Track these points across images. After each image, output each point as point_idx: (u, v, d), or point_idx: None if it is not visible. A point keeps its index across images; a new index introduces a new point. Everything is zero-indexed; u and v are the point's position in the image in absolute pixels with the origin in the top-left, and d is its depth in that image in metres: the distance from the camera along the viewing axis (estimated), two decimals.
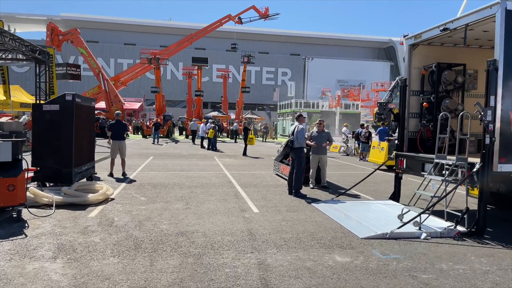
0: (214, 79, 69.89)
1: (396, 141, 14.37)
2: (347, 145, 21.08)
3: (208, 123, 22.29)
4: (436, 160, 6.33)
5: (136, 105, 55.29)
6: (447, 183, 6.05)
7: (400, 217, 6.27)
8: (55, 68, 29.71)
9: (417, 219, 5.80)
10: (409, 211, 6.28)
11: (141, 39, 70.15)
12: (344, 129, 23.13)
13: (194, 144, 26.89)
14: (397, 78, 25.43)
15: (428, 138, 7.79)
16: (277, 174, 11.89)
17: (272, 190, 9.26)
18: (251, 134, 18.67)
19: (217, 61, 70.37)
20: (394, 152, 8.01)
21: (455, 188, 5.89)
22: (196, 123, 27.90)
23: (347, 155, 20.76)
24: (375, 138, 16.93)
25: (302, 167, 8.55)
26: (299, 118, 8.84)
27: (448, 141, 7.62)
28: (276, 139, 39.14)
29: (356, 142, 20.06)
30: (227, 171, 12.71)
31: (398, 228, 5.59)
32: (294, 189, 8.50)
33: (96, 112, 34.78)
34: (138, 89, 64.13)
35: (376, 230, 5.67)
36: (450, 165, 6.13)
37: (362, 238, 5.48)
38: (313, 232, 5.77)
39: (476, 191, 6.29)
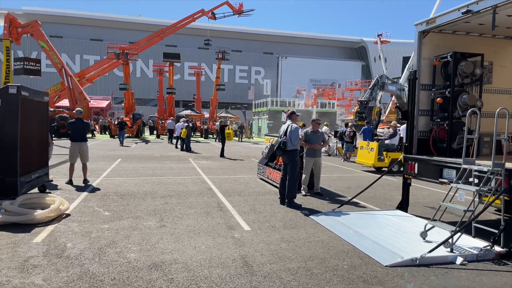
0: (186, 77, 68.07)
1: (386, 141, 13.59)
2: (329, 145, 20.13)
3: (181, 122, 20.77)
4: (464, 166, 5.29)
5: (104, 103, 52.67)
6: (482, 194, 5.02)
7: (423, 235, 5.20)
8: (12, 63, 27.32)
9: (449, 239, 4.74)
10: (433, 227, 5.22)
11: (109, 34, 67.07)
12: (324, 128, 22.20)
13: (171, 143, 25.36)
14: (376, 76, 24.81)
15: (441, 138, 6.80)
16: (261, 179, 10.68)
17: (260, 199, 8.04)
18: (229, 129, 17.40)
19: (189, 58, 68.43)
20: (402, 154, 6.96)
21: (495, 199, 4.86)
22: (173, 122, 26.34)
23: (329, 155, 19.84)
24: (361, 138, 16.06)
25: (297, 173, 7.38)
26: (292, 115, 7.66)
27: (465, 142, 6.69)
28: (252, 138, 37.96)
29: (339, 142, 19.18)
30: (206, 175, 11.37)
31: (430, 252, 4.50)
32: (287, 199, 7.31)
33: (59, 110, 32.55)
34: (106, 87, 61.28)
35: (401, 255, 4.56)
36: (482, 172, 5.11)
37: (386, 266, 4.35)
38: (323, 258, 4.59)
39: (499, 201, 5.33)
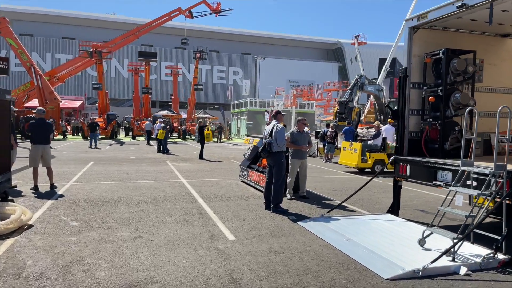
0: (163, 77, 66.84)
1: (369, 142, 13.37)
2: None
3: (158, 123, 20.03)
4: (462, 168, 4.98)
5: (76, 104, 50.92)
6: (481, 198, 4.72)
7: (422, 242, 4.86)
8: None
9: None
10: (431, 233, 4.89)
11: (82, 33, 64.94)
12: (305, 129, 21.92)
13: (149, 145, 24.53)
14: (356, 77, 24.79)
15: (433, 139, 6.51)
16: (244, 182, 10.20)
17: (243, 204, 7.55)
18: (208, 130, 16.80)
19: (166, 58, 67.26)
20: (394, 156, 6.64)
21: (498, 204, 4.56)
22: (151, 123, 25.53)
23: (310, 156, 19.53)
24: (342, 139, 15.83)
25: (283, 176, 6.95)
26: (277, 115, 7.22)
27: (464, 143, 6.43)
28: (231, 139, 37.40)
29: (321, 142, 18.93)
30: (184, 178, 10.79)
31: (432, 262, 4.14)
32: (273, 204, 6.87)
33: (28, 110, 31.00)
34: (79, 87, 59.35)
35: (402, 266, 4.19)
36: (482, 174, 4.81)
37: (387, 279, 3.96)
38: (317, 272, 4.16)
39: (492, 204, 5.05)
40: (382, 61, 50.84)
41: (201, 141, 17.00)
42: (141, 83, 42.16)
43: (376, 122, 13.47)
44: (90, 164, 13.60)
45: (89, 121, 25.73)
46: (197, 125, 17.52)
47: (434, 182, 5.72)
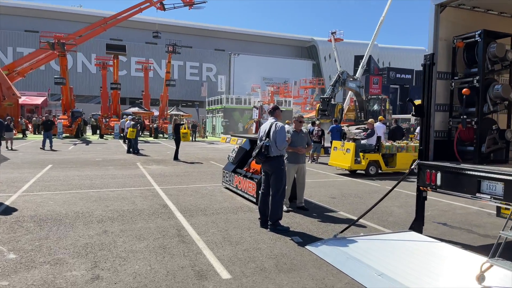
0: (133, 73, 64.31)
1: (362, 141, 12.28)
2: None
3: (128, 121, 18.29)
4: None
5: (39, 100, 47.70)
6: None
7: (481, 279, 3.68)
8: None
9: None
10: (491, 266, 3.72)
11: (46, 26, 60.88)
12: (286, 127, 20.76)
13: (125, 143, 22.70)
14: (338, 72, 23.86)
15: (465, 140, 5.39)
16: (228, 188, 8.83)
17: (232, 219, 6.20)
18: (185, 129, 15.24)
19: (136, 53, 64.52)
20: (417, 161, 5.47)
21: None
22: (125, 121, 23.65)
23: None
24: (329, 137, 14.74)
25: (283, 187, 5.64)
26: (275, 111, 5.90)
27: (492, 144, 5.34)
28: (207, 138, 35.79)
29: None
30: (158, 185, 9.30)
31: None
32: (271, 220, 5.55)
33: None
34: (42, 82, 56.00)
35: None
36: None
37: None
38: None
39: None
40: (357, 58, 50.74)
41: (177, 140, 15.48)
42: (110, 78, 39.80)
43: (370, 120, 12.39)
44: (47, 168, 11.83)
45: (42, 119, 23.40)
46: (171, 122, 15.91)
47: (478, 194, 4.57)
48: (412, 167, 5.58)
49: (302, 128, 7.14)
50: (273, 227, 5.52)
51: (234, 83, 68.00)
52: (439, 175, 5.08)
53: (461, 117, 5.25)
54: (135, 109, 36.49)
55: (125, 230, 5.45)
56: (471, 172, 4.70)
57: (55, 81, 31.08)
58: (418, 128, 18.50)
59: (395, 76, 55.08)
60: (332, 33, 45.30)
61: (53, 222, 5.81)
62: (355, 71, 46.75)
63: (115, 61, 35.34)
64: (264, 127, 5.75)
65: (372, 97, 27.44)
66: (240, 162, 8.70)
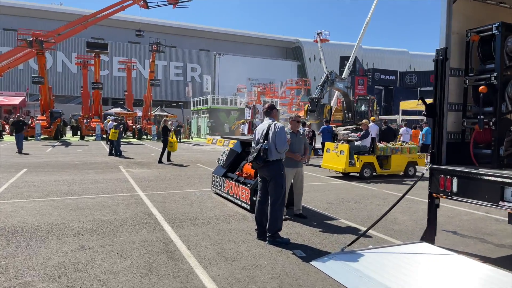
0: (116, 73, 63.02)
1: (356, 142, 11.85)
2: None
3: (110, 122, 17.47)
4: None
5: (17, 100, 46.05)
6: None
7: None
8: None
9: None
10: None
11: (24, 24, 58.85)
12: (301, 129, 20.26)
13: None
14: (326, 73, 23.48)
15: (481, 142, 4.96)
16: (218, 194, 8.25)
17: (225, 230, 5.62)
18: (172, 137, 14.54)
19: (119, 53, 63.18)
20: (429, 165, 5.01)
21: None
22: (107, 122, 22.70)
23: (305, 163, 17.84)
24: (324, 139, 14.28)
25: (283, 194, 5.09)
26: (272, 111, 5.35)
27: (510, 147, 4.92)
28: (192, 139, 34.99)
29: None
30: (142, 191, 8.64)
31: None
32: (270, 232, 5.00)
33: None
34: (20, 82, 54.11)
35: None
36: None
37: None
38: None
39: None
40: (343, 59, 50.76)
41: (164, 142, 14.77)
42: (91, 78, 38.60)
43: (364, 121, 11.95)
44: (21, 173, 11.01)
45: (12, 119, 22.26)
46: (162, 123, 15.20)
47: (501, 203, 4.12)
48: (423, 172, 5.11)
49: (299, 129, 6.60)
50: (272, 240, 4.97)
51: (219, 84, 67.28)
52: (455, 181, 4.62)
53: (478, 117, 4.81)
54: (118, 110, 35.44)
55: (105, 245, 4.81)
56: (493, 178, 4.25)
57: (33, 80, 29.84)
58: (402, 129, 18.36)
59: (380, 77, 55.36)
60: (318, 34, 45.12)
61: (23, 235, 5.13)
62: (341, 72, 46.67)
63: (96, 60, 34.21)
64: (261, 129, 5.20)
65: (360, 97, 27.16)
66: (231, 165, 8.13)
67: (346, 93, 25.86)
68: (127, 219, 6.11)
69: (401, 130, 17.72)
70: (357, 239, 4.82)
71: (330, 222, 6.24)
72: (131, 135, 34.34)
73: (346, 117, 26.76)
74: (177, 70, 70.91)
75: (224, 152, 8.41)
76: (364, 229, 5.85)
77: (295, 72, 77.15)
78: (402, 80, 53.90)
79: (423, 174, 5.09)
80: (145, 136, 33.63)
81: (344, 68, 43.26)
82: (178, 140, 29.87)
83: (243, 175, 7.26)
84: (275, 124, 5.09)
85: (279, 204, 4.99)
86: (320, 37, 44.86)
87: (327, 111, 22.61)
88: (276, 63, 75.73)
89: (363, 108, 26.86)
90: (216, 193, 8.33)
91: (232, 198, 7.39)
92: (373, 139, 11.15)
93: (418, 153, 12.04)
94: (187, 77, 70.01)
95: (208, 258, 4.41)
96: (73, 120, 37.15)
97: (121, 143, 17.87)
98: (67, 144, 24.64)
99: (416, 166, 11.99)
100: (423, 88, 50.73)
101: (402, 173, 11.69)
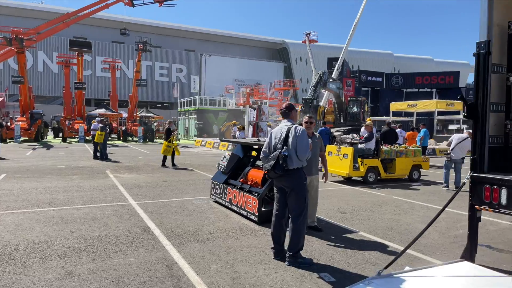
0: (99, 73, 61.53)
1: (360, 145, 11.29)
2: None
3: (95, 123, 16.52)
4: None
5: None
6: None
7: None
8: None
9: None
10: None
11: (4, 22, 57.11)
12: (269, 129, 19.66)
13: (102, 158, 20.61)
14: (319, 72, 23.01)
15: None
16: (217, 202, 7.54)
17: (235, 247, 4.92)
18: (173, 140, 13.80)
19: (102, 53, 61.66)
20: (471, 173, 4.42)
21: None
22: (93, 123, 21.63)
23: None
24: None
25: (306, 207, 4.43)
26: (291, 112, 4.70)
27: None
28: (179, 140, 34.00)
29: None
30: (134, 199, 7.86)
31: None
32: (291, 251, 4.33)
33: None
34: None
35: None
36: None
37: None
38: None
39: None
40: (330, 60, 50.54)
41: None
42: (73, 78, 37.28)
43: (368, 122, 11.40)
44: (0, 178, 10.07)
45: None
46: (166, 124, 14.42)
47: None
48: (464, 180, 4.52)
49: (313, 131, 5.95)
50: (293, 260, 4.30)
51: (205, 85, 66.38)
52: (504, 191, 4.04)
53: None
54: (102, 111, 34.25)
55: (96, 270, 4.06)
56: None
57: (13, 80, 28.46)
58: (396, 131, 17.97)
59: (366, 79, 55.45)
60: (306, 34, 44.73)
61: (0, 258, 4.33)
62: (330, 73, 46.45)
63: (79, 59, 32.93)
64: (278, 132, 4.53)
65: (352, 98, 26.78)
66: (232, 171, 7.44)
67: (338, 94, 25.44)
68: (120, 234, 5.35)
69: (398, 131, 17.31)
70: (394, 260, 4.18)
71: (349, 235, 5.61)
72: (116, 137, 33.20)
73: (338, 119, 26.37)
74: (162, 71, 69.76)
75: (225, 157, 7.71)
76: (389, 244, 5.27)
77: (282, 73, 76.80)
78: (388, 82, 54.06)
79: (464, 183, 4.50)
80: (130, 138, 32.56)
81: (333, 69, 43.01)
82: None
83: (249, 183, 6.58)
84: (295, 128, 4.42)
85: (301, 220, 4.33)
86: (308, 37, 44.48)
87: (321, 112, 22.11)
88: (263, 64, 75.23)
89: (354, 109, 26.45)
90: (216, 202, 7.62)
91: (235, 208, 6.69)
92: (377, 142, 10.61)
93: (422, 156, 11.58)
94: (172, 78, 68.96)
95: (223, 287, 3.71)
96: (54, 121, 35.74)
97: (107, 146, 16.92)
98: (48, 146, 23.47)
99: (421, 170, 11.51)
100: (408, 90, 51.00)
101: (407, 177, 11.20)
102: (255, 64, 73.04)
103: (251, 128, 6.49)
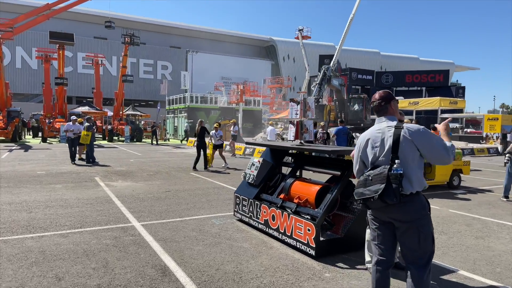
0: (80, 70, 58.82)
1: None
2: None
3: (69, 123, 14.53)
4: None
5: None
6: None
7: None
8: None
9: None
10: None
11: None
12: (270, 128, 18.10)
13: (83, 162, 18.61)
14: (323, 69, 21.57)
15: None
16: (244, 221, 5.94)
17: None
18: (211, 142, 12.51)
19: (84, 49, 58.83)
20: None
21: None
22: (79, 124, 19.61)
23: None
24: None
25: (432, 253, 2.88)
26: (389, 104, 3.07)
27: None
28: (168, 140, 32.17)
29: None
30: (136, 218, 6.19)
31: None
32: None
33: None
34: None
35: None
36: None
37: None
38: None
39: None
40: (322, 57, 49.35)
41: (201, 147, 12.48)
42: (54, 73, 34.88)
43: (405, 120, 9.93)
44: None
45: None
46: (198, 124, 12.85)
47: None
48: None
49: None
50: None
51: (192, 82, 64.39)
52: None
53: None
54: (85, 109, 32.03)
55: None
56: None
57: None
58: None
59: (357, 77, 54.66)
60: (299, 30, 43.28)
61: None
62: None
63: (60, 52, 30.61)
64: (378, 138, 2.93)
65: (353, 96, 25.49)
66: (262, 183, 5.86)
67: (340, 90, 24.11)
68: (129, 283, 3.71)
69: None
70: None
71: (450, 277, 4.08)
72: (101, 136, 31.10)
73: (339, 117, 25.03)
74: (146, 68, 67.41)
75: (253, 164, 6.10)
76: (464, 273, 3.76)
77: (269, 71, 75.45)
78: (378, 80, 53.42)
79: None
80: (116, 138, 30.55)
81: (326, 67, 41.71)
82: (155, 142, 27.12)
83: (295, 200, 5.01)
84: (408, 129, 2.86)
85: (429, 271, 2.79)
86: (301, 33, 43.04)
87: (327, 112, 20.68)
88: (250, 62, 73.70)
89: (356, 107, 25.17)
90: (242, 221, 6.03)
91: (276, 234, 5.11)
92: None
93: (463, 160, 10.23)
94: (157, 75, 66.74)
95: None
96: (33, 120, 33.34)
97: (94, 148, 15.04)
98: (26, 148, 21.34)
99: (461, 175, 10.17)
100: (398, 88, 50.45)
101: (446, 183, 9.82)
102: (243, 62, 71.44)
103: (291, 127, 5.25)
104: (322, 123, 13.35)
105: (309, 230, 4.48)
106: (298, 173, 5.88)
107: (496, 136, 25.20)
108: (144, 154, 18.55)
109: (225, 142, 16.39)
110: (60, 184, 9.41)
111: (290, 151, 6.07)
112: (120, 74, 32.79)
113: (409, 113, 32.61)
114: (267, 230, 5.32)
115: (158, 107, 34.78)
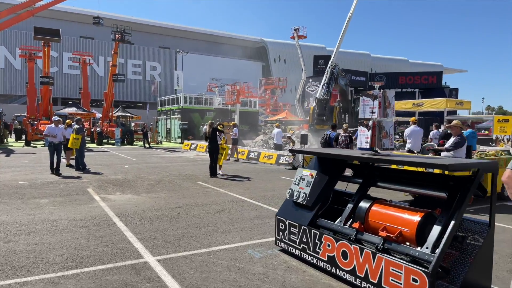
0: (66, 70, 56.62)
1: (443, 153, 8.52)
2: (294, 155, 14.57)
3: (53, 125, 12.86)
4: None
5: None
6: None
7: None
8: None
9: None
10: None
11: None
12: (276, 131, 16.70)
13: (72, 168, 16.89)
14: (330, 67, 20.29)
15: None
16: (290, 253, 4.54)
17: None
18: (223, 142, 11.12)
19: (69, 48, 56.60)
20: None
21: None
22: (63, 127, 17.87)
23: (295, 168, 14.29)
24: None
25: None
26: None
27: None
28: (161, 143, 30.48)
29: None
30: (148, 250, 4.72)
31: None
32: None
33: None
34: None
35: None
36: None
37: None
38: None
39: None
40: (317, 58, 48.31)
41: (213, 150, 11.02)
42: (38, 73, 32.90)
43: (454, 122, 8.55)
44: None
45: None
46: (207, 127, 11.43)
47: None
48: None
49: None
50: None
51: (183, 83, 62.70)
52: None
53: None
54: (72, 110, 30.14)
55: None
56: None
57: None
58: (432, 132, 15.60)
59: (350, 78, 53.84)
60: (295, 30, 42.03)
61: None
62: (315, 72, 44.18)
63: (45, 49, 28.69)
64: None
65: (358, 96, 24.30)
66: (319, 202, 4.47)
67: (345, 91, 22.90)
68: None
69: (431, 134, 14.74)
70: None
71: None
72: (89, 139, 29.27)
73: (343, 119, 23.79)
74: (135, 69, 65.43)
75: (303, 179, 4.69)
76: None
77: (260, 72, 74.23)
78: (371, 82, 52.72)
79: None
80: (105, 141, 28.78)
81: (319, 68, 40.80)
82: (148, 146, 25.48)
83: (380, 233, 3.61)
84: None
85: None
86: (297, 33, 41.80)
87: (336, 114, 19.41)
88: (241, 63, 72.31)
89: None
90: (287, 252, 4.62)
91: (351, 278, 3.70)
92: (469, 149, 7.90)
93: None
94: (146, 76, 64.89)
95: None
96: (16, 122, 31.30)
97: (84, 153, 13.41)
98: (8, 152, 19.50)
99: None
100: (392, 90, 49.89)
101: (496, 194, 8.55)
102: (233, 63, 70.05)
103: (363, 131, 4.11)
104: (345, 125, 11.92)
105: (415, 281, 3.09)
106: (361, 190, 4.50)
107: (507, 138, 24.32)
108: (138, 159, 16.97)
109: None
110: (46, 198, 7.85)
111: (355, 161, 4.69)
112: (110, 74, 30.99)
113: (407, 114, 31.63)
114: (333, 270, 3.92)
115: (147, 109, 33.03)
